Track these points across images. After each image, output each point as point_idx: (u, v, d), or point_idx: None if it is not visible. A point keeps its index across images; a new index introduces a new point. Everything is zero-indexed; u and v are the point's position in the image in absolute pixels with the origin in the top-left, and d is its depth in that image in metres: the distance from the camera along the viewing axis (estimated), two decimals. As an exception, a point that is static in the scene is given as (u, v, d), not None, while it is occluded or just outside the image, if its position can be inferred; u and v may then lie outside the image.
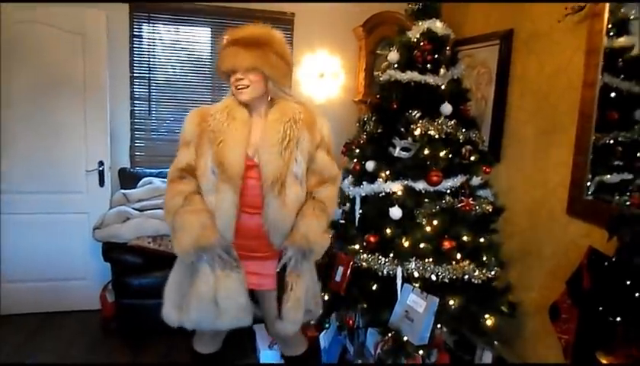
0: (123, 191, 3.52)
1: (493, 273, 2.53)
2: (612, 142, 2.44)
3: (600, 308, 2.16)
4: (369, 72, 3.95)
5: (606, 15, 2.30)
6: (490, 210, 2.55)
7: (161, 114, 3.95)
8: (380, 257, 2.48)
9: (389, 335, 2.42)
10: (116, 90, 3.64)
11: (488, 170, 2.64)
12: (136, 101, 3.86)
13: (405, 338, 2.39)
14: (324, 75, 4.06)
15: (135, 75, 3.82)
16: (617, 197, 2.44)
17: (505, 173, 3.06)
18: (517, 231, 2.88)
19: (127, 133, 3.85)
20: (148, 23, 3.79)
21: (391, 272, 2.45)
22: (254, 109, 1.97)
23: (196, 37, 3.99)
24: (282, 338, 2.17)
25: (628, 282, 2.06)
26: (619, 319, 2.10)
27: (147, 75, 3.85)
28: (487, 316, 2.48)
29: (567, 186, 2.56)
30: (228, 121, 1.88)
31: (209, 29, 4.00)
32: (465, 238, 2.50)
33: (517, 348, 2.82)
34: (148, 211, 3.33)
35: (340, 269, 2.55)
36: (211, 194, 1.89)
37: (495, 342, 2.59)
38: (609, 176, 2.47)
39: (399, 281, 2.44)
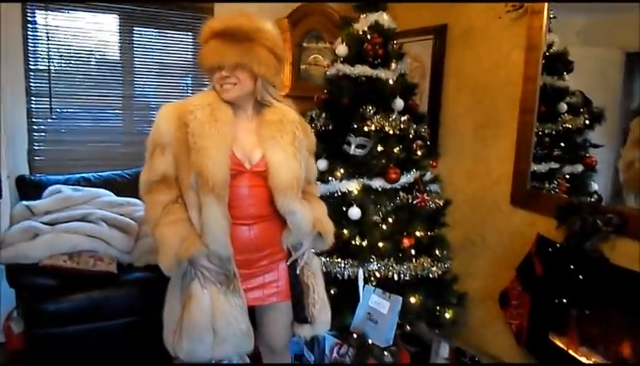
0: (25, 202, 3.02)
1: (446, 266, 2.55)
2: (540, 133, 2.58)
3: (552, 293, 2.28)
4: (296, 65, 3.81)
5: (546, 13, 2.40)
6: (441, 203, 2.56)
7: (64, 112, 3.46)
8: (338, 259, 2.38)
9: (353, 337, 2.34)
10: (8, 85, 3.11)
11: (435, 164, 2.67)
12: (33, 98, 3.33)
13: (370, 341, 2.32)
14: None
15: (30, 67, 3.30)
16: (547, 185, 2.61)
17: (443, 166, 3.10)
18: (459, 222, 2.94)
19: (24, 135, 3.31)
20: (46, 8, 3.29)
21: (351, 274, 2.36)
22: (239, 108, 1.75)
23: (103, 25, 3.55)
24: (278, 349, 2.00)
25: (573, 267, 2.19)
26: (566, 301, 2.23)
27: (46, 68, 3.35)
28: (445, 309, 2.49)
29: (509, 177, 2.66)
30: (210, 123, 1.63)
31: (117, 16, 3.58)
32: (418, 233, 2.48)
33: (465, 336, 2.89)
34: (62, 225, 2.89)
35: (298, 275, 2.40)
36: (194, 208, 1.66)
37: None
38: (539, 166, 2.62)
39: (361, 283, 2.36)
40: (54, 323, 2.72)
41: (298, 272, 1.88)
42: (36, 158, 3.38)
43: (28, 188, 3.18)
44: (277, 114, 1.79)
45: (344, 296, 2.40)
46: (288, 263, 1.86)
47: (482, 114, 2.85)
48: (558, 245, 2.26)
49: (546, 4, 2.38)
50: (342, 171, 2.41)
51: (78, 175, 3.33)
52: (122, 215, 3.03)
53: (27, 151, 3.33)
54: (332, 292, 2.41)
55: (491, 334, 2.78)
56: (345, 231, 2.38)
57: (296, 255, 1.86)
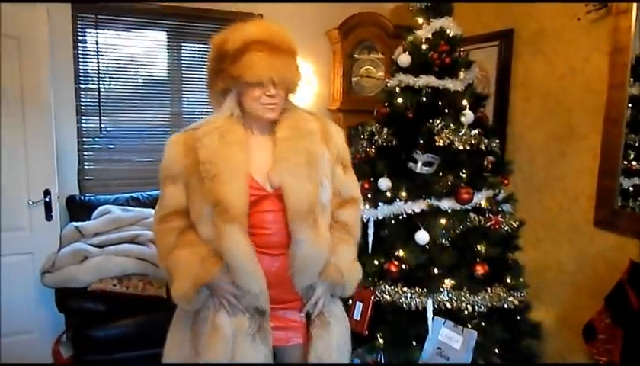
0: (74, 223, 2.96)
1: (522, 295, 2.30)
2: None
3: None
4: (347, 77, 3.66)
5: (635, 12, 2.15)
6: (516, 225, 2.32)
7: (113, 131, 3.42)
8: (404, 288, 2.17)
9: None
10: (59, 104, 3.08)
11: (506, 182, 2.42)
12: (83, 117, 3.30)
13: (441, 379, 2.09)
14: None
15: (81, 86, 3.27)
16: (631, 203, 2.33)
17: (511, 183, 2.86)
18: (530, 244, 2.68)
19: (74, 155, 3.28)
20: (96, 26, 3.26)
21: (419, 305, 2.14)
22: (253, 125, 1.56)
23: (152, 42, 3.51)
24: None
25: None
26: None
27: (96, 87, 3.31)
28: (521, 343, 2.24)
29: (590, 195, 2.40)
30: (221, 148, 1.47)
31: (165, 33, 3.53)
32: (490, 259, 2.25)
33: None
34: (111, 247, 2.81)
35: (359, 305, 2.21)
36: (210, 242, 1.49)
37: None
38: (623, 182, 2.34)
39: (430, 315, 2.14)
40: (102, 350, 2.64)
41: (312, 318, 1.62)
42: (86, 178, 3.34)
43: (78, 209, 3.13)
44: (285, 130, 1.55)
45: (410, 329, 2.18)
46: (302, 313, 1.61)
47: (556, 125, 2.60)
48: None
49: (635, 3, 2.13)
50: (407, 191, 2.21)
51: (127, 195, 3.27)
52: (171, 236, 2.92)
53: (77, 171, 3.30)
54: (397, 323, 2.21)
55: (570, 369, 2.51)
56: (411, 256, 2.17)
57: (308, 305, 1.60)
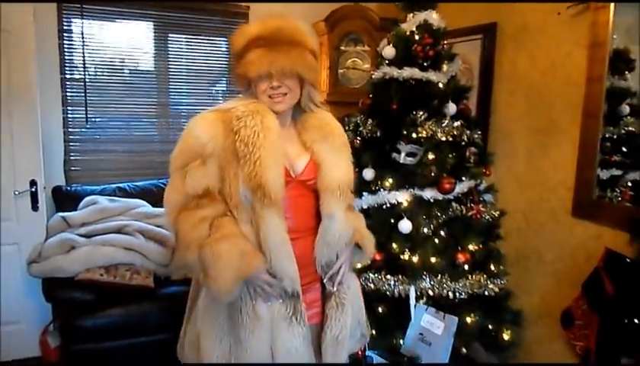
0: (61, 214, 2.96)
1: (503, 282, 2.36)
2: (600, 138, 2.37)
3: (624, 313, 2.07)
4: (333, 69, 3.68)
5: (612, 7, 2.20)
6: (497, 215, 2.38)
7: (99, 121, 3.42)
8: (387, 276, 2.23)
9: (404, 359, 2.18)
10: (45, 94, 3.06)
11: (488, 173, 2.47)
12: (69, 107, 3.30)
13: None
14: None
15: (67, 76, 3.26)
16: (609, 194, 2.39)
17: (494, 174, 2.91)
18: (512, 234, 2.74)
19: (60, 145, 3.28)
20: (81, 16, 3.25)
21: (402, 292, 2.20)
22: (281, 116, 1.59)
23: (138, 33, 3.50)
24: None
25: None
26: None
27: (82, 77, 3.30)
28: (503, 329, 2.30)
29: (570, 186, 2.46)
30: (263, 132, 1.48)
31: (152, 23, 3.52)
32: (471, 247, 2.30)
33: (520, 356, 2.69)
34: (98, 237, 2.81)
35: (344, 292, 2.26)
36: (247, 223, 1.51)
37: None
38: (600, 173, 2.40)
39: (412, 302, 2.19)
40: (90, 339, 2.65)
41: (333, 289, 1.66)
42: (72, 168, 3.34)
43: (64, 199, 3.13)
44: (322, 120, 1.68)
45: (393, 316, 2.24)
46: (325, 280, 1.66)
47: (537, 118, 2.66)
48: (629, 260, 2.06)
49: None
50: (391, 180, 2.25)
51: (114, 185, 3.27)
52: (158, 226, 2.94)
53: (63, 161, 3.30)
54: (380, 310, 2.26)
55: (548, 354, 2.58)
56: (395, 245, 2.22)
57: (332, 270, 1.64)
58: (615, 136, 2.36)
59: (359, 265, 1.88)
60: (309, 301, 1.64)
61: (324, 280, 1.66)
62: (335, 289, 1.66)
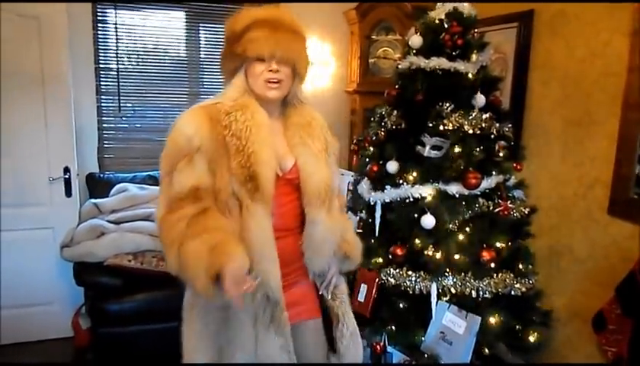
0: (93, 200, 3.05)
1: (531, 282, 2.27)
2: None
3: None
4: (364, 59, 3.62)
5: (658, -8, 2.06)
6: (527, 212, 2.28)
7: (132, 110, 3.48)
8: (409, 272, 2.17)
9: (424, 357, 2.13)
10: (79, 83, 3.15)
11: (519, 167, 2.37)
12: (102, 96, 3.37)
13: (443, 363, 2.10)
14: (313, 64, 3.68)
15: (101, 65, 3.34)
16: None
17: (527, 169, 2.77)
18: (544, 231, 2.63)
19: (94, 133, 3.36)
20: (115, 6, 3.30)
21: (423, 289, 2.14)
22: (267, 109, 1.54)
23: (170, 23, 3.53)
24: None
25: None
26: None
27: (115, 66, 3.37)
28: (530, 330, 2.22)
29: (607, 183, 2.33)
30: (255, 126, 1.45)
31: (184, 13, 3.55)
32: (498, 244, 2.21)
33: (548, 358, 2.59)
34: (126, 224, 2.88)
35: (364, 287, 2.23)
36: (234, 217, 1.46)
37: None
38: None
39: (434, 299, 2.14)
40: (117, 323, 2.73)
41: (328, 297, 1.70)
42: (105, 156, 3.43)
43: (97, 186, 3.22)
44: (305, 117, 1.62)
45: (414, 312, 2.19)
46: (321, 291, 1.70)
47: (574, 110, 2.52)
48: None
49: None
50: (415, 174, 2.19)
51: (144, 173, 3.34)
52: (185, 215, 2.97)
53: (96, 149, 3.38)
54: (401, 306, 2.22)
55: (578, 358, 2.47)
56: (417, 241, 2.16)
57: (324, 284, 1.69)
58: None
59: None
60: (298, 296, 1.63)
61: (320, 291, 1.69)
62: (330, 296, 1.70)
